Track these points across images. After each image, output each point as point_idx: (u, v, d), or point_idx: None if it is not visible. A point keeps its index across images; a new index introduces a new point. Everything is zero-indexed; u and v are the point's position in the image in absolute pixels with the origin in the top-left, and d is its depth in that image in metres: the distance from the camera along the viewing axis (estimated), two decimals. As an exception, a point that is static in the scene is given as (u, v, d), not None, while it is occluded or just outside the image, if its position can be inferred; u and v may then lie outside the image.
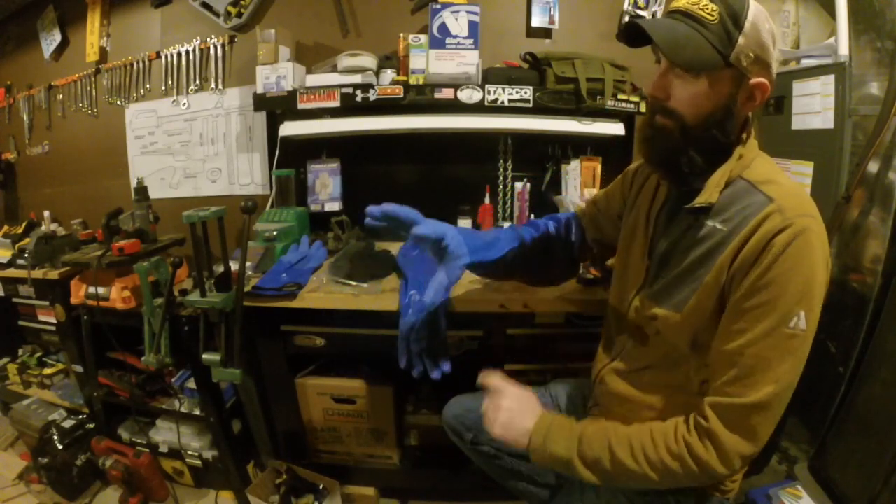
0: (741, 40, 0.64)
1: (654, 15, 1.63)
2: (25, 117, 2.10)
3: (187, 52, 1.82)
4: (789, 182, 0.69)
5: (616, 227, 0.97)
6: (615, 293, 0.92)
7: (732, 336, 0.65)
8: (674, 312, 0.73)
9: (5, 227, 1.95)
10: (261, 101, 1.60)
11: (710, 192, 0.70)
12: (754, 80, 0.66)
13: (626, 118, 1.61)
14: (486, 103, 1.50)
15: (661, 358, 0.79)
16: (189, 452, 1.55)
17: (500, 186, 1.72)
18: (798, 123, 1.33)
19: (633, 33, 0.70)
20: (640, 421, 0.82)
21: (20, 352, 1.93)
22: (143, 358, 1.26)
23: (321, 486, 1.40)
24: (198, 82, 1.84)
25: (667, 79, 0.69)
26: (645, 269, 0.82)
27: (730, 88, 0.67)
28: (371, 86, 1.52)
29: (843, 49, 1.21)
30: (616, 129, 1.58)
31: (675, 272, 0.74)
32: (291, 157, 1.69)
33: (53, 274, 1.54)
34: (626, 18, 1.65)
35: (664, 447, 0.67)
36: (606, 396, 0.89)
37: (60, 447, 1.56)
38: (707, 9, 0.64)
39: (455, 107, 1.51)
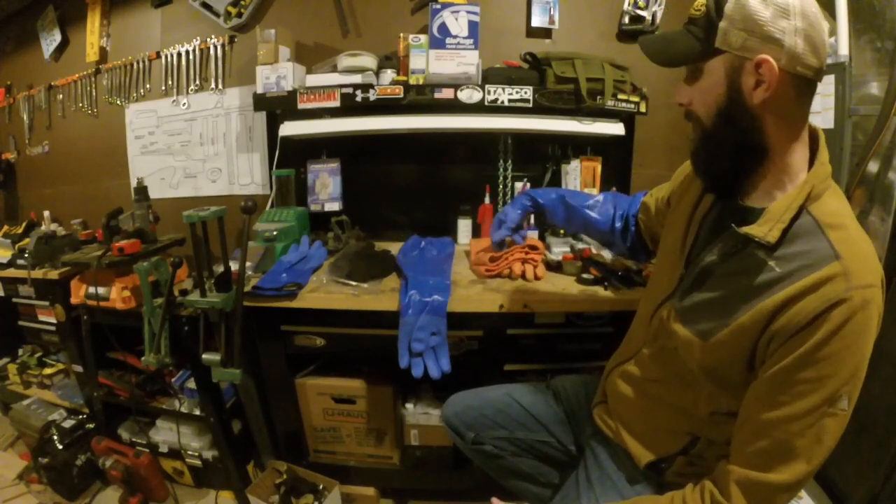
0: (722, 23, 0.61)
1: (653, 15, 1.64)
2: (25, 117, 2.10)
3: (187, 52, 1.82)
4: (859, 232, 0.61)
5: (661, 219, 0.95)
6: (647, 294, 0.88)
7: (770, 406, 0.60)
8: (697, 339, 0.68)
9: (5, 227, 1.95)
10: (261, 101, 1.60)
11: (770, 226, 0.61)
12: (756, 58, 0.59)
13: (626, 118, 1.62)
14: (486, 103, 1.50)
15: (674, 376, 0.76)
16: (189, 452, 1.55)
17: (500, 186, 1.72)
18: (798, 123, 1.33)
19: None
20: (639, 427, 0.81)
21: (20, 352, 1.93)
22: (143, 358, 1.26)
23: (321, 486, 1.40)
24: (198, 82, 1.84)
25: (684, 85, 0.69)
26: (678, 278, 0.76)
27: (727, 75, 0.63)
28: (371, 86, 1.52)
29: (843, 49, 1.21)
30: (616, 129, 1.58)
31: (710, 296, 0.69)
32: (291, 157, 1.69)
33: (53, 274, 1.54)
34: (627, 19, 1.66)
35: None
36: (613, 395, 0.89)
37: (60, 447, 1.56)
38: (696, 5, 0.65)
39: (455, 107, 1.51)
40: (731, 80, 0.63)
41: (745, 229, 0.63)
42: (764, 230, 0.62)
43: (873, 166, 1.16)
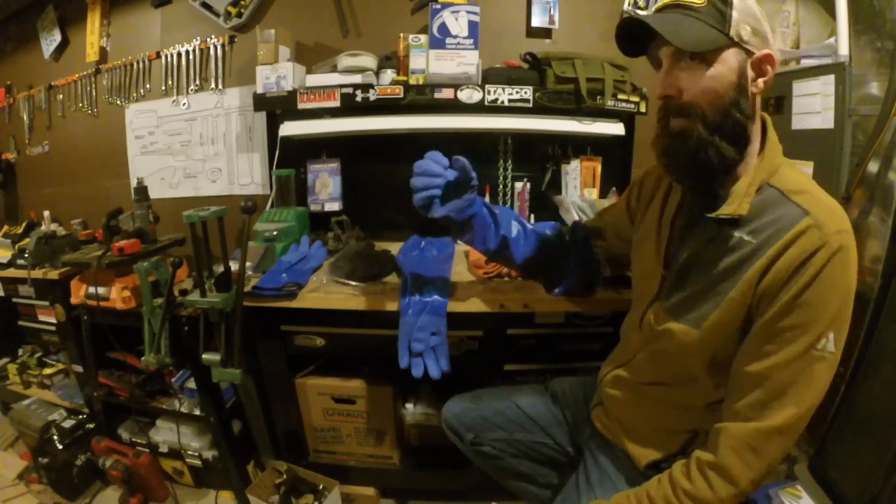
0: (734, 14, 0.63)
1: (653, 15, 1.63)
2: (25, 117, 2.10)
3: (187, 52, 1.82)
4: (822, 193, 0.65)
5: (621, 240, 0.96)
6: (632, 306, 0.90)
7: (759, 357, 0.62)
8: (692, 328, 0.69)
9: (5, 227, 1.96)
10: (261, 101, 1.60)
11: (738, 202, 0.65)
12: (760, 53, 0.64)
13: (627, 118, 1.61)
14: (486, 103, 1.50)
15: (670, 377, 0.77)
16: (189, 452, 1.55)
17: (500, 186, 1.72)
18: (798, 123, 1.33)
19: (629, 34, 0.70)
20: (638, 429, 0.82)
21: (20, 352, 1.93)
22: (143, 358, 1.26)
23: (321, 486, 1.40)
24: (198, 82, 1.84)
25: (673, 75, 0.67)
26: (660, 280, 0.78)
27: (738, 66, 0.64)
28: (371, 86, 1.52)
29: (843, 49, 1.21)
30: (616, 129, 1.58)
31: (697, 286, 0.70)
32: (291, 157, 1.69)
33: (53, 274, 1.54)
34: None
35: None
36: (610, 399, 0.89)
37: (60, 447, 1.56)
38: None
39: (455, 107, 1.51)
40: (741, 69, 0.65)
41: (716, 213, 0.67)
42: (733, 207, 0.66)
43: (873, 166, 1.16)
